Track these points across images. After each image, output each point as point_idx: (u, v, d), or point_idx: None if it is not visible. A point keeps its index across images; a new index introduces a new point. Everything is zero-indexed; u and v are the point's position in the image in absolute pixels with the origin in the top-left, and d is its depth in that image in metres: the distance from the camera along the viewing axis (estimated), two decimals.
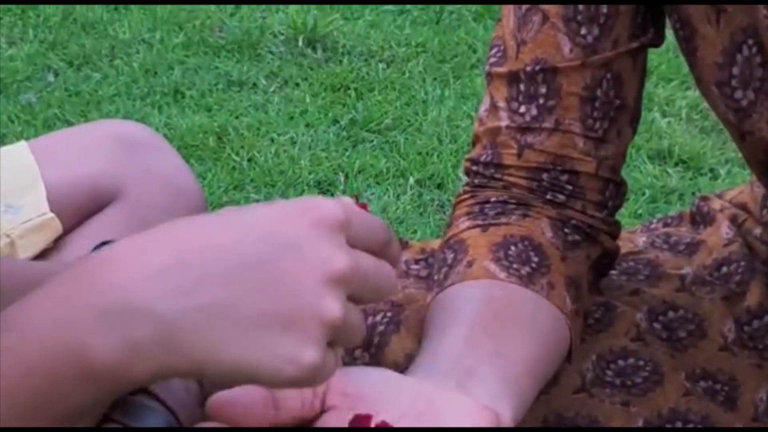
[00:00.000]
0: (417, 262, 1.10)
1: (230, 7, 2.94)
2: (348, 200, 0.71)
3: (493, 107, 1.02)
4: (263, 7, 2.94)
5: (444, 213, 2.24)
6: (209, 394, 1.10)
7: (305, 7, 2.89)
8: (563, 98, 1.00)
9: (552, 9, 0.99)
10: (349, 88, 2.63)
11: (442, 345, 0.86)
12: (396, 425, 0.76)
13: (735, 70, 0.96)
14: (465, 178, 1.07)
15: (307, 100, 2.59)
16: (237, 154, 2.38)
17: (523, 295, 0.93)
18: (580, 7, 0.98)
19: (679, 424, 1.01)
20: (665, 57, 2.70)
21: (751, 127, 0.97)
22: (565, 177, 1.01)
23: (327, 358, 0.67)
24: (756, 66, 0.95)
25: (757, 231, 1.14)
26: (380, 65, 2.73)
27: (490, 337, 0.87)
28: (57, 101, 2.52)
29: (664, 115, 2.58)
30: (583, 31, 0.99)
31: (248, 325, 0.65)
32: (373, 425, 0.76)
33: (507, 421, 0.81)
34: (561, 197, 1.01)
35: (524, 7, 1.00)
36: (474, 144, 1.06)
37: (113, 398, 0.69)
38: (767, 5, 0.93)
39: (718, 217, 1.17)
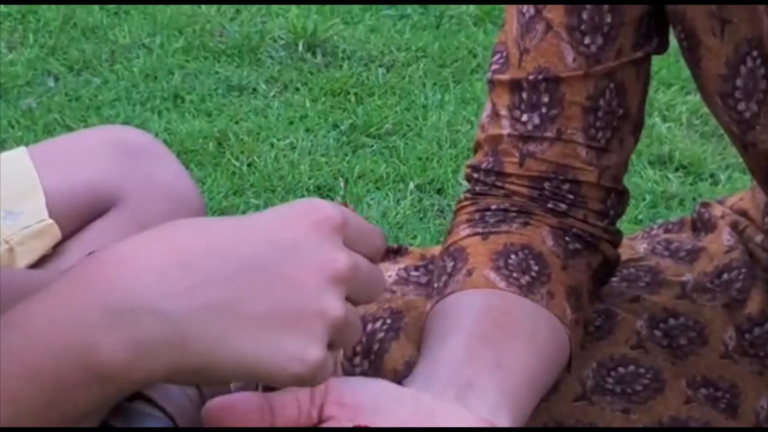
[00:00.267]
0: (417, 268, 1.10)
1: (230, 12, 2.94)
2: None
3: (495, 114, 1.02)
4: (263, 11, 2.93)
5: (444, 218, 2.24)
6: (208, 400, 1.10)
7: (305, 11, 2.89)
8: (566, 108, 0.99)
9: (556, 18, 0.98)
10: (349, 93, 2.63)
11: (441, 355, 0.86)
12: None
13: (738, 82, 0.96)
14: (465, 183, 1.06)
15: (307, 104, 2.59)
16: (237, 159, 2.38)
17: (522, 304, 0.93)
18: (584, 16, 0.98)
19: None
20: (666, 62, 2.70)
21: (754, 138, 0.97)
22: (566, 186, 1.01)
23: (328, 359, 0.68)
24: (760, 78, 0.95)
25: (759, 238, 1.13)
26: (380, 70, 2.73)
27: (490, 348, 0.87)
28: (57, 106, 2.52)
29: (664, 120, 2.58)
30: (586, 40, 0.98)
31: (253, 324, 0.66)
32: None
33: None
34: (562, 206, 1.01)
35: (527, 14, 1.00)
36: (475, 150, 1.05)
37: (118, 399, 0.70)
38: None
39: (719, 223, 1.16)
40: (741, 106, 0.96)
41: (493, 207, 1.01)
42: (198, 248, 0.67)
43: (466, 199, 1.04)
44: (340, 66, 2.74)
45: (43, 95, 2.57)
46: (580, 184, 1.01)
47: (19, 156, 1.29)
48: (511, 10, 1.02)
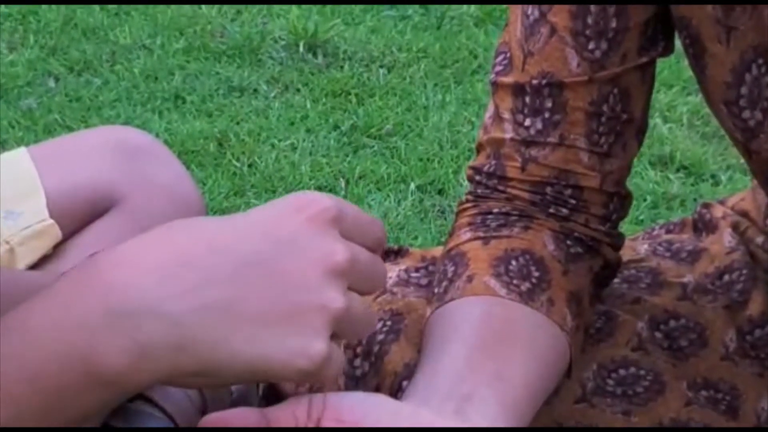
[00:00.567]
0: (417, 270, 1.10)
1: (231, 13, 2.94)
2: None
3: (498, 117, 1.02)
4: (264, 12, 2.93)
5: (445, 219, 2.23)
6: (209, 403, 1.10)
7: (306, 12, 2.89)
8: (569, 113, 0.99)
9: (560, 22, 0.98)
10: (349, 94, 2.63)
11: (440, 366, 0.86)
12: None
13: (743, 90, 0.95)
14: (466, 184, 1.06)
15: (308, 105, 2.59)
16: (238, 159, 2.38)
17: (522, 312, 0.92)
18: (589, 21, 0.97)
19: None
20: (667, 63, 2.69)
21: (758, 147, 0.97)
22: (568, 191, 1.01)
23: (333, 352, 0.68)
24: (765, 86, 0.94)
25: (760, 239, 1.13)
26: (381, 71, 2.73)
27: (489, 359, 0.87)
28: (57, 107, 2.52)
29: (665, 120, 2.58)
30: (591, 45, 0.98)
31: (255, 321, 0.66)
32: None
33: None
34: (564, 211, 1.01)
35: (532, 17, 0.99)
36: (477, 151, 1.05)
37: (120, 401, 0.70)
38: None
39: (720, 224, 1.16)
40: (745, 114, 0.96)
41: (495, 210, 1.01)
42: (197, 248, 0.67)
43: (467, 201, 1.04)
44: (341, 67, 2.74)
45: (43, 96, 2.57)
46: (582, 190, 1.01)
47: (19, 156, 1.29)
48: (516, 10, 1.01)
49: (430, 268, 1.09)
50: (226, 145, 2.43)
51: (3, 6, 2.88)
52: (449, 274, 0.96)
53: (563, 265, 0.98)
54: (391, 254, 1.12)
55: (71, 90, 2.60)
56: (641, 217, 2.26)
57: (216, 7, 2.94)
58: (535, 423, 0.93)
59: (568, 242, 1.00)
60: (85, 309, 0.65)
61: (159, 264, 0.66)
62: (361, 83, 2.67)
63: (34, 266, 1.25)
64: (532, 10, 0.99)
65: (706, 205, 1.20)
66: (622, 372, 1.03)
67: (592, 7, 0.97)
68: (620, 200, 1.03)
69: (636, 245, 1.17)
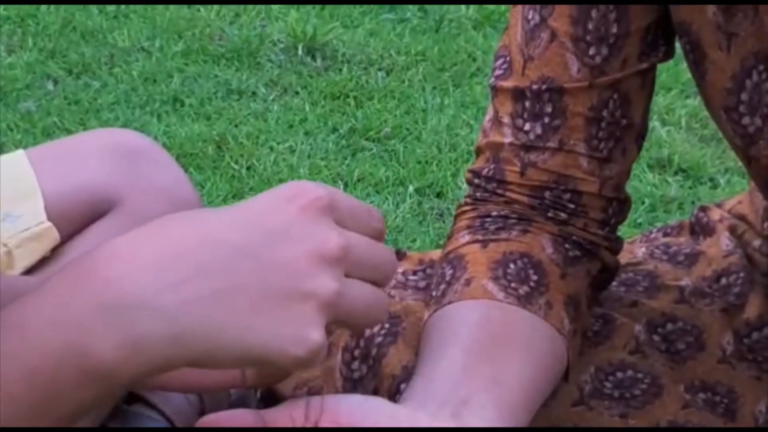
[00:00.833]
0: (415, 273, 1.10)
1: (230, 15, 2.94)
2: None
3: (497, 121, 1.01)
4: (263, 15, 2.93)
5: (443, 221, 2.23)
6: (207, 406, 1.10)
7: (304, 15, 2.89)
8: (569, 118, 0.99)
9: (561, 27, 0.98)
10: (348, 97, 2.63)
11: (437, 370, 0.86)
12: None
13: (743, 96, 0.95)
14: (464, 187, 1.06)
15: (307, 108, 2.59)
16: (236, 162, 2.38)
17: (520, 316, 0.92)
18: (590, 26, 0.97)
19: None
20: (665, 66, 2.68)
21: (758, 153, 0.97)
22: (567, 196, 1.01)
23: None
24: (765, 92, 0.94)
25: (757, 243, 1.13)
26: (380, 73, 2.73)
27: (486, 363, 0.87)
28: (56, 109, 2.52)
29: (663, 123, 2.58)
30: (591, 51, 0.97)
31: (249, 311, 0.66)
32: None
33: None
34: (563, 215, 1.01)
35: (533, 22, 0.99)
36: (477, 154, 1.05)
37: (119, 395, 0.70)
38: None
39: (717, 227, 1.16)
40: (745, 120, 0.96)
41: (494, 213, 1.01)
42: (190, 241, 0.67)
43: (466, 204, 1.04)
44: (340, 69, 2.74)
45: (42, 98, 2.57)
46: (581, 194, 1.01)
47: (17, 159, 1.29)
48: (516, 14, 1.01)
49: (428, 271, 1.09)
50: (225, 148, 2.43)
51: (1, 9, 2.88)
52: (447, 277, 0.96)
53: (561, 269, 0.98)
54: None
55: (70, 93, 2.60)
56: (639, 220, 2.26)
57: (214, 9, 2.94)
58: (532, 426, 0.93)
59: (567, 246, 1.00)
60: (80, 304, 0.65)
61: (153, 258, 0.66)
62: (359, 86, 2.67)
63: (31, 269, 1.25)
64: (533, 15, 0.99)
65: (704, 209, 1.20)
66: (619, 375, 1.03)
67: (593, 13, 0.97)
68: (619, 205, 1.03)
69: (634, 248, 1.17)
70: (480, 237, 0.99)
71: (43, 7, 2.89)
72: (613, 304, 1.08)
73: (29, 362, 0.65)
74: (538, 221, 1.00)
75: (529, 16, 0.99)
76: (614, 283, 1.10)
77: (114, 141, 1.33)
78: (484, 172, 1.03)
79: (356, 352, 1.02)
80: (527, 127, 1.00)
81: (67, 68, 2.69)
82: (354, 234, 0.70)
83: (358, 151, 2.45)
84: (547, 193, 1.01)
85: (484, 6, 2.99)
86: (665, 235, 1.20)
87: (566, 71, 0.98)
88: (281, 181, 2.33)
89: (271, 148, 2.44)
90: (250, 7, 2.96)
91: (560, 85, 0.98)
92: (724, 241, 1.14)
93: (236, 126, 2.52)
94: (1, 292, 0.82)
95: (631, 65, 0.98)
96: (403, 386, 0.95)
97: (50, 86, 2.62)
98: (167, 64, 2.73)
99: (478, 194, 1.03)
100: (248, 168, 2.37)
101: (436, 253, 1.09)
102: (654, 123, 2.55)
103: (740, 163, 1.05)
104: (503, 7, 2.96)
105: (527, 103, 0.99)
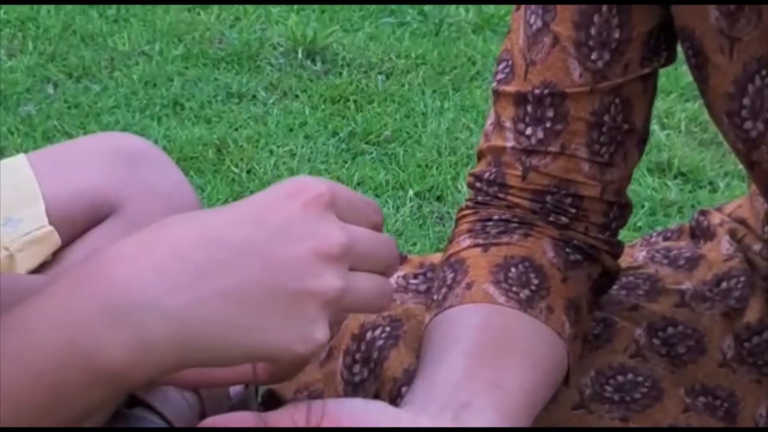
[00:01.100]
0: (416, 276, 1.10)
1: (230, 19, 2.94)
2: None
3: (499, 125, 1.02)
4: (263, 18, 2.94)
5: (443, 225, 2.24)
6: (207, 409, 1.10)
7: (304, 19, 2.89)
8: (570, 123, 0.99)
9: (563, 32, 0.98)
10: (348, 100, 2.63)
11: (438, 374, 0.86)
12: None
13: (746, 101, 0.95)
14: (465, 191, 1.06)
15: (307, 112, 2.59)
16: (236, 166, 2.38)
17: (521, 320, 0.93)
18: (592, 31, 0.97)
19: None
20: (665, 69, 2.69)
21: (760, 158, 0.97)
22: (568, 200, 1.01)
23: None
24: (767, 97, 0.94)
25: (757, 247, 1.13)
26: (379, 77, 2.73)
27: (487, 367, 0.87)
28: (56, 113, 2.52)
29: (663, 127, 2.58)
30: (593, 56, 0.98)
31: (254, 311, 0.66)
32: None
33: None
34: (564, 219, 1.01)
35: (535, 26, 0.99)
36: (478, 158, 1.05)
37: (124, 397, 0.70)
38: None
39: (717, 231, 1.16)
40: (747, 125, 0.96)
41: (495, 217, 1.01)
42: (191, 241, 0.67)
43: (467, 207, 1.04)
44: (340, 73, 2.74)
45: (42, 102, 2.57)
46: (583, 199, 1.01)
47: (18, 163, 1.29)
48: (518, 19, 1.01)
49: (429, 274, 1.09)
50: (225, 152, 2.43)
51: (2, 12, 2.88)
52: (448, 281, 0.97)
53: (562, 273, 0.98)
54: None
55: (70, 96, 2.60)
56: (639, 224, 2.26)
57: (215, 13, 2.95)
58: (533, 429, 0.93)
59: (568, 250, 1.00)
60: (84, 306, 0.65)
61: (157, 259, 0.66)
62: (359, 90, 2.68)
63: (33, 273, 1.25)
64: (535, 20, 0.99)
65: (704, 212, 1.20)
66: (620, 378, 1.03)
67: (596, 18, 0.97)
68: (620, 209, 1.04)
69: (634, 252, 1.17)
70: (481, 241, 0.99)
71: (44, 11, 2.89)
72: (614, 308, 1.08)
73: (34, 363, 0.65)
74: (539, 225, 1.00)
75: (532, 21, 0.99)
76: (615, 287, 1.10)
77: (114, 145, 1.33)
78: (486, 175, 1.03)
79: (357, 356, 1.02)
80: (529, 131, 1.00)
81: (68, 72, 2.70)
82: (356, 228, 0.71)
83: (358, 154, 2.45)
84: (548, 197, 1.01)
85: (484, 9, 2.99)
86: (665, 238, 1.21)
87: (568, 76, 0.98)
88: None
89: (271, 152, 2.45)
90: (251, 10, 2.96)
91: (562, 89, 0.98)
92: (724, 245, 1.14)
93: (236, 129, 2.52)
94: (2, 289, 0.83)
95: (632, 70, 0.98)
96: (404, 389, 0.96)
97: (50, 90, 2.63)
98: (167, 68, 2.73)
99: (479, 198, 1.03)
100: (248, 171, 2.38)
101: (436, 257, 1.09)
102: (654, 127, 2.55)
103: (740, 167, 1.05)
104: (503, 10, 2.97)
105: (529, 108, 1.00)
